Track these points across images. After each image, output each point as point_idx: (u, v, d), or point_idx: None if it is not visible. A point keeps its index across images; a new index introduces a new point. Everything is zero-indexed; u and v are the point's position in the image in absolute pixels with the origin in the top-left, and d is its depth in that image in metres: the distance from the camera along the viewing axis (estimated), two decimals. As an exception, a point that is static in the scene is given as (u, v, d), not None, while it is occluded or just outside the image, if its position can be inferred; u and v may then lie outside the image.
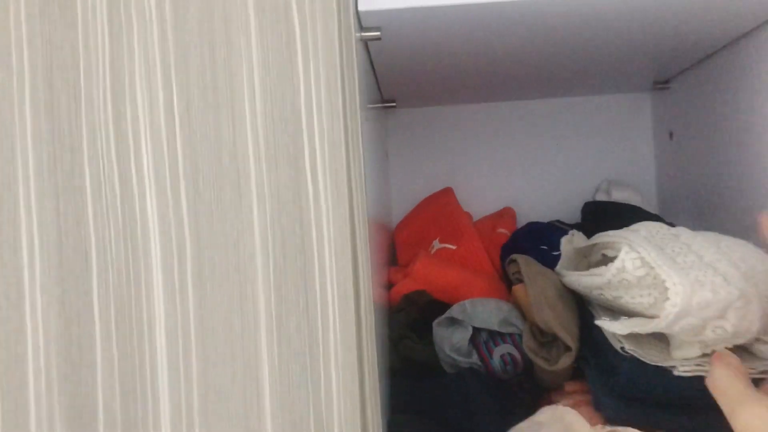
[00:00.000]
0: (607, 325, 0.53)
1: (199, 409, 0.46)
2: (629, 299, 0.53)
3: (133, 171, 0.46)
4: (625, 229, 0.57)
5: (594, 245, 0.60)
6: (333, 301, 0.46)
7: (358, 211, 0.48)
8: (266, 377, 0.46)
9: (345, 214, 0.46)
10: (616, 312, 0.57)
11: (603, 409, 0.55)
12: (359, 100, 0.49)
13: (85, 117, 0.46)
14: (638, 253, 0.52)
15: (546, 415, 0.54)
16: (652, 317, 0.51)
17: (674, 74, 0.84)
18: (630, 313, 0.54)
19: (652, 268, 0.51)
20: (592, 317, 0.59)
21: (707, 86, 0.75)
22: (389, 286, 0.74)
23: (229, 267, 0.46)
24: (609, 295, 0.55)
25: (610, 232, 0.58)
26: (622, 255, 0.52)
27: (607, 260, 0.58)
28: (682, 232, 0.55)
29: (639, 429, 0.52)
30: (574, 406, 0.56)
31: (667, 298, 0.49)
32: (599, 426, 0.53)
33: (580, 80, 0.84)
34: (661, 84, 0.87)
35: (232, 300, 0.46)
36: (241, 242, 0.46)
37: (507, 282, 0.72)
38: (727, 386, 0.45)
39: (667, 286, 0.49)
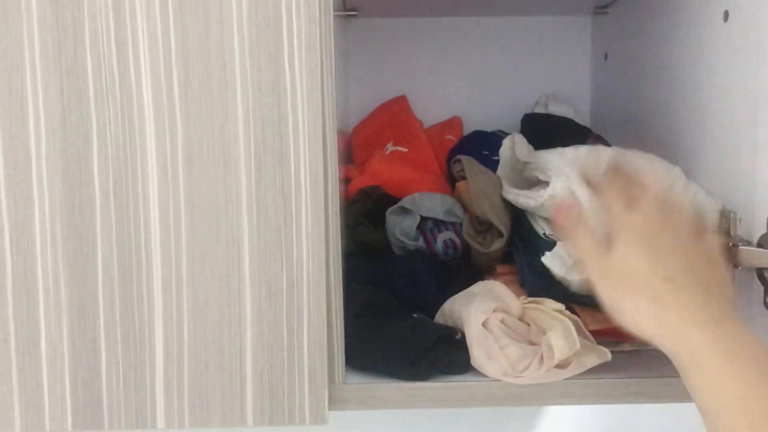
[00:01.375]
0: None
1: (187, 269, 0.54)
2: None
3: (131, 58, 0.52)
4: (557, 153, 0.65)
5: (529, 163, 0.68)
6: (305, 180, 0.54)
7: (329, 106, 0.54)
8: (246, 243, 0.54)
9: (318, 106, 0.53)
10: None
11: (527, 285, 0.64)
12: (332, 7, 0.55)
13: (87, 7, 0.51)
14: (566, 183, 0.60)
15: (479, 287, 0.63)
16: None
17: (612, 0, 0.92)
18: None
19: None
20: (523, 212, 0.68)
21: (641, 13, 0.83)
22: (346, 181, 0.82)
23: (215, 148, 0.53)
24: (543, 214, 0.64)
25: (545, 155, 0.65)
26: (552, 184, 0.60)
27: (540, 183, 0.65)
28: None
29: (555, 300, 0.62)
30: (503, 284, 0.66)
31: None
32: (522, 297, 0.63)
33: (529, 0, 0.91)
34: (601, 9, 0.95)
35: (217, 177, 0.53)
36: (226, 127, 0.53)
37: (452, 183, 0.80)
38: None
39: None
